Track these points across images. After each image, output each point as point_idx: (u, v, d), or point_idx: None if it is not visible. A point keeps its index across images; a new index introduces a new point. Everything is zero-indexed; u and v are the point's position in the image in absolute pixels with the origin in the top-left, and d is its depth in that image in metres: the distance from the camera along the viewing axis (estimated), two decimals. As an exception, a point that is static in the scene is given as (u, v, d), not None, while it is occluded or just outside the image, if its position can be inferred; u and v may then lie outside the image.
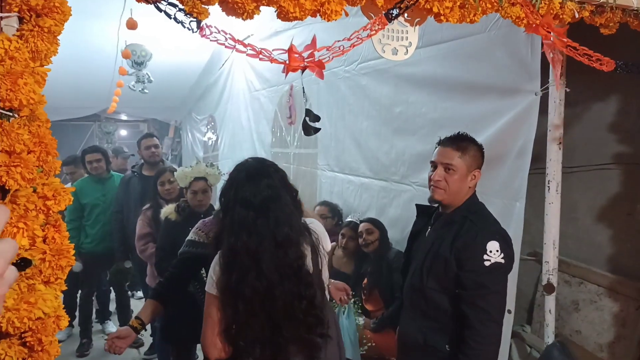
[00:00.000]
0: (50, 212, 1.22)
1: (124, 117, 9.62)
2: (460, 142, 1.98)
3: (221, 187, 1.83)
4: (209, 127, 7.83)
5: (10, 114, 1.16)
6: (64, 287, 1.29)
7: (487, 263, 1.84)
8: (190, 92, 7.87)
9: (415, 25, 1.66)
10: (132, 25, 3.31)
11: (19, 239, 1.15)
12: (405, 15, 1.64)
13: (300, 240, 1.71)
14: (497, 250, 1.85)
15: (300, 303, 1.65)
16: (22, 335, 1.18)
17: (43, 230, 1.22)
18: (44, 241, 1.23)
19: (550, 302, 2.56)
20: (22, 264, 1.17)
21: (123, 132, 10.24)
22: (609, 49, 2.16)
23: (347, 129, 4.23)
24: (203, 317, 1.71)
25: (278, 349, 1.64)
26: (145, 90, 5.08)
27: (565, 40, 1.86)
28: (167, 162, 4.70)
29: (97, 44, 5.21)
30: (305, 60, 1.42)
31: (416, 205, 2.35)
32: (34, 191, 1.19)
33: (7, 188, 1.15)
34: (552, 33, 1.79)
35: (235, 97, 6.56)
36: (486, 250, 1.85)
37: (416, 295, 2.08)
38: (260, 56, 1.39)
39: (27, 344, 1.19)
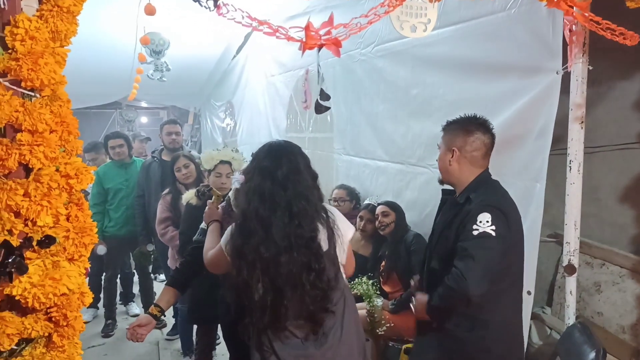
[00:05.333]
0: (73, 190, 1.24)
1: (144, 104, 9.71)
2: (447, 124, 2.15)
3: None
4: (227, 113, 7.86)
5: (32, 93, 1.18)
6: (87, 265, 1.32)
7: (475, 232, 1.87)
8: (208, 79, 7.89)
9: (435, 1, 1.63)
10: (150, 11, 3.31)
11: (43, 217, 1.18)
12: (423, -9, 1.62)
13: (316, 216, 1.75)
14: (487, 221, 1.87)
15: (308, 274, 1.69)
16: (48, 310, 1.22)
17: (66, 209, 1.24)
18: (68, 219, 1.25)
19: (571, 283, 2.53)
20: (46, 241, 1.20)
21: (144, 119, 10.35)
22: (632, 25, 2.10)
23: (362, 112, 4.20)
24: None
25: (277, 317, 1.68)
26: (164, 79, 5.11)
27: (587, 14, 1.81)
28: (186, 148, 4.75)
29: (116, 32, 5.25)
30: (322, 38, 1.41)
31: (442, 190, 2.35)
32: (57, 170, 1.22)
33: (31, 167, 1.18)
34: (574, 7, 1.74)
35: (252, 83, 6.57)
36: (476, 220, 1.88)
37: (429, 277, 2.14)
38: (277, 34, 1.39)
39: (53, 319, 1.22)
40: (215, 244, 2.02)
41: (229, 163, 3.11)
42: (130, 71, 6.34)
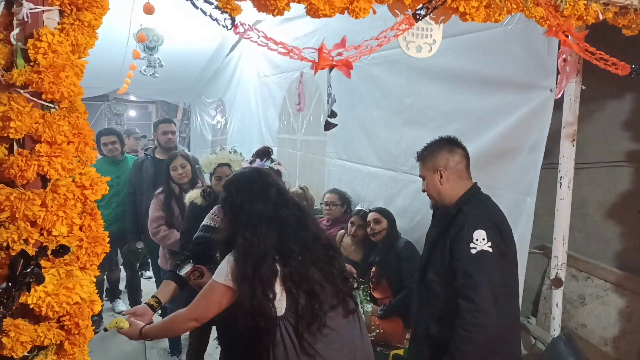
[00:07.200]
0: (88, 200, 1.26)
1: (132, 97, 9.63)
2: (421, 153, 2.24)
3: (225, 196, 1.96)
4: (218, 110, 7.85)
5: (52, 105, 1.20)
6: (97, 273, 1.34)
7: (473, 251, 1.92)
8: (200, 75, 7.87)
9: (440, 22, 1.68)
10: (149, 10, 3.30)
11: (59, 227, 1.20)
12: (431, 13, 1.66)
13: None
14: (484, 239, 1.92)
15: (332, 264, 1.85)
16: (60, 319, 1.23)
17: (80, 219, 1.26)
18: (81, 229, 1.27)
19: (557, 295, 2.61)
20: (61, 250, 1.22)
21: (132, 113, 10.26)
22: (623, 51, 2.17)
23: (356, 118, 4.25)
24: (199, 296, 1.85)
25: (316, 315, 1.75)
26: (156, 75, 5.09)
27: (582, 45, 1.88)
28: (179, 147, 4.74)
29: (107, 25, 5.19)
30: (334, 59, 1.45)
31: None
32: (73, 181, 1.24)
33: (48, 178, 1.19)
34: (570, 37, 1.80)
35: (245, 82, 6.57)
36: (472, 238, 1.94)
37: (421, 288, 2.20)
38: (291, 54, 1.42)
39: (65, 327, 1.24)
40: (183, 315, 1.95)
41: (228, 165, 3.13)
42: (121, 65, 6.29)
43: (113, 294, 5.10)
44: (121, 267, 5.01)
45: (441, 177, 2.12)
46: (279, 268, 1.74)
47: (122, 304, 5.06)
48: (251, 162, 2.98)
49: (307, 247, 1.81)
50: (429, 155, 2.19)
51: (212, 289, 1.82)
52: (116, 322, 2.05)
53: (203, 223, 2.51)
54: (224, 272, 1.79)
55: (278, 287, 1.74)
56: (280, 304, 1.75)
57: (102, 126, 8.45)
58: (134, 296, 4.80)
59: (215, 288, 1.80)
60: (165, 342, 4.20)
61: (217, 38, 6.52)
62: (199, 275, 2.28)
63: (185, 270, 2.29)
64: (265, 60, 5.82)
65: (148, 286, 5.05)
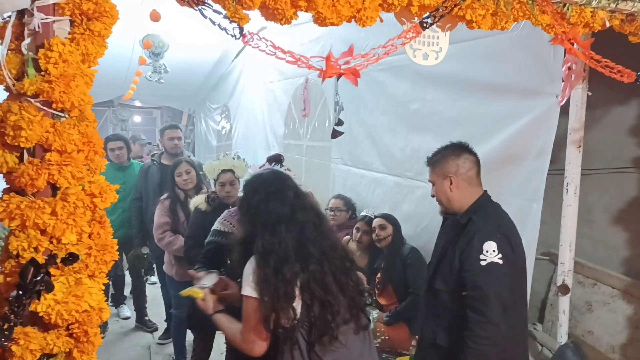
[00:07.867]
0: (97, 209, 1.27)
1: (137, 103, 9.69)
2: (431, 158, 2.20)
3: (242, 196, 1.94)
4: (223, 116, 7.87)
5: (62, 114, 1.21)
6: (106, 280, 1.35)
7: (483, 263, 1.89)
8: (205, 81, 7.90)
9: (447, 30, 1.69)
10: (155, 17, 3.33)
11: (68, 235, 1.21)
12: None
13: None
14: (494, 250, 1.89)
15: (348, 275, 1.79)
16: (70, 326, 1.24)
17: (89, 227, 1.27)
18: (90, 237, 1.28)
19: (564, 302, 2.60)
20: (70, 258, 1.23)
21: (137, 119, 10.32)
22: (629, 56, 2.16)
23: (361, 123, 4.25)
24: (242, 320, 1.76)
25: (328, 326, 1.70)
26: (162, 81, 5.13)
27: (588, 53, 1.88)
28: (185, 153, 4.76)
29: (114, 32, 5.23)
30: (341, 67, 1.45)
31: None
32: (82, 189, 1.24)
33: (58, 186, 1.20)
34: (576, 45, 1.80)
35: (250, 88, 6.59)
36: (482, 250, 1.90)
37: (429, 296, 2.18)
38: (299, 63, 1.43)
39: (74, 335, 1.25)
40: (236, 322, 1.84)
41: (232, 171, 3.14)
42: (127, 71, 6.33)
43: (118, 300, 5.11)
44: (126, 273, 5.03)
45: (451, 183, 2.08)
46: (298, 270, 1.70)
47: (127, 310, 5.07)
48: (261, 167, 3.00)
49: (326, 254, 1.77)
50: (438, 161, 2.14)
51: (246, 304, 1.74)
52: (192, 292, 2.07)
53: (213, 227, 2.51)
54: (248, 281, 1.72)
55: (297, 292, 1.70)
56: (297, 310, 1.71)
57: (107, 132, 8.50)
58: (139, 301, 4.81)
59: (247, 303, 1.72)
60: (170, 348, 4.20)
61: (222, 44, 6.56)
62: (224, 287, 2.18)
63: (209, 282, 2.18)
64: (271, 66, 5.84)
65: (153, 292, 5.05)
